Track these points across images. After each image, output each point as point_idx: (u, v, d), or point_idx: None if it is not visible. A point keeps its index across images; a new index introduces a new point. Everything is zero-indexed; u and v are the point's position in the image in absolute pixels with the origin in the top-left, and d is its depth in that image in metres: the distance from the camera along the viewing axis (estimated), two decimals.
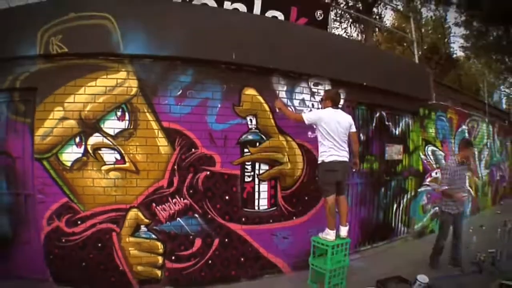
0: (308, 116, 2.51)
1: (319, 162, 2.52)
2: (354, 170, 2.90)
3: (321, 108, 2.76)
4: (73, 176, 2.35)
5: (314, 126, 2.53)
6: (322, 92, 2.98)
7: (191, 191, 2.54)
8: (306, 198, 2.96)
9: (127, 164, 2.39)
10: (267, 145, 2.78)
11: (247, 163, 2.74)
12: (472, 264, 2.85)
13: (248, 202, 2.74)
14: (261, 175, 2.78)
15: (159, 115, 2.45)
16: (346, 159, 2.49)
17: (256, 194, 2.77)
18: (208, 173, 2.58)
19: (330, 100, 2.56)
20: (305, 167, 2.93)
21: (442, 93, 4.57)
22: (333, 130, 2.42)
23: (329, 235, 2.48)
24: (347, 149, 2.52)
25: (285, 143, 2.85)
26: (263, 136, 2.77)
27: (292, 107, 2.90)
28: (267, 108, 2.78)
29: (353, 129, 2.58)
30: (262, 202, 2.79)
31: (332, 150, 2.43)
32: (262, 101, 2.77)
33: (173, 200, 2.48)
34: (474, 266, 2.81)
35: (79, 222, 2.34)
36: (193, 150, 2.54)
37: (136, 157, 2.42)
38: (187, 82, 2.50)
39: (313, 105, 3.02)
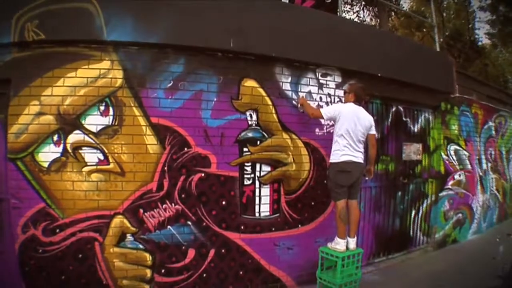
0: (326, 111, 2.54)
1: (330, 161, 2.51)
2: (366, 178, 2.85)
3: (343, 102, 2.80)
4: (51, 179, 2.32)
5: (332, 122, 2.54)
6: (330, 84, 3.01)
7: (183, 196, 2.52)
8: (313, 203, 2.93)
9: (111, 165, 2.38)
10: (269, 143, 2.76)
11: (246, 164, 2.72)
12: (498, 278, 2.84)
13: (248, 207, 2.72)
14: (262, 177, 2.77)
15: (147, 109, 2.42)
16: (361, 161, 2.51)
17: (257, 198, 2.76)
18: (203, 175, 2.56)
19: (354, 94, 2.59)
20: (312, 168, 2.91)
21: (466, 85, 4.52)
22: (351, 127, 2.43)
23: (338, 244, 2.46)
24: (362, 150, 2.53)
25: (290, 141, 2.83)
26: (265, 134, 2.75)
27: (297, 101, 2.88)
28: (269, 101, 2.76)
29: (373, 131, 2.61)
30: (263, 208, 2.77)
31: (347, 149, 2.44)
32: (264, 94, 2.74)
33: (163, 206, 2.46)
34: (501, 280, 2.80)
35: (57, 231, 2.31)
36: (185, 149, 2.51)
37: (121, 157, 2.39)
38: (178, 73, 2.47)
39: (321, 98, 3.00)
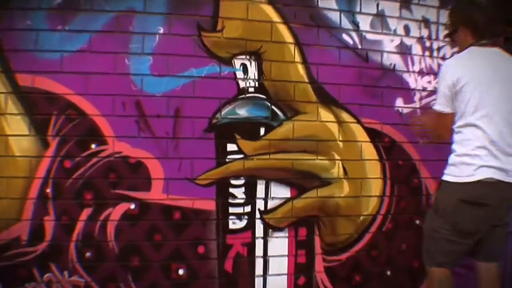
0: (443, 98, 2.17)
1: (445, 178, 2.09)
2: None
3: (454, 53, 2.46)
4: None
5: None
6: (423, 9, 2.63)
7: (88, 254, 2.12)
8: (390, 271, 2.52)
9: None
10: (287, 133, 2.38)
11: (233, 182, 2.32)
12: None
13: (237, 283, 2.32)
14: (272, 213, 2.34)
15: (10, 58, 2.12)
16: None
17: (259, 262, 2.33)
18: (133, 206, 2.17)
19: (469, 28, 2.13)
20: (388, 192, 2.53)
21: None
22: (486, 96, 2.00)
23: None
24: None
25: (337, 127, 2.43)
26: (278, 111, 2.35)
27: (339, 39, 2.45)
28: (288, 36, 2.35)
29: None
30: (274, 284, 2.33)
31: (485, 152, 2.01)
32: (276, 17, 2.33)
33: (45, 276, 2.09)
34: None
35: None
36: (92, 146, 2.16)
37: None
38: None
39: (407, 30, 2.61)
